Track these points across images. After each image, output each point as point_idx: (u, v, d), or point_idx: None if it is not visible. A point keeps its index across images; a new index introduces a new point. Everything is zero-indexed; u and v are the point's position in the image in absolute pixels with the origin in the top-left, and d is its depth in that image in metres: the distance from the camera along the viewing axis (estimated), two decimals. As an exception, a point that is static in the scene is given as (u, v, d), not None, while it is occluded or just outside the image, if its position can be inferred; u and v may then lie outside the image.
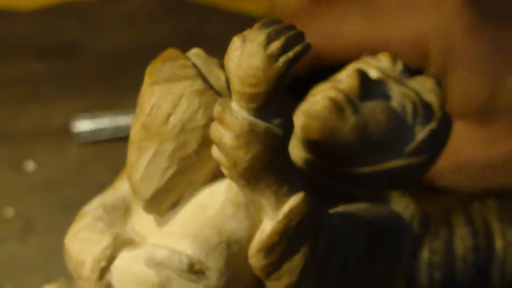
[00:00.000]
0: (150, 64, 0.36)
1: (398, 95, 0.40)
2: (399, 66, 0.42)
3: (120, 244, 0.36)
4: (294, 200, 0.33)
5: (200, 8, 0.82)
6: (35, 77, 0.74)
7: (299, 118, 0.39)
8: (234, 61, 0.32)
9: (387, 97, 0.40)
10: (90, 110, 0.71)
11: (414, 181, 0.42)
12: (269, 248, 0.33)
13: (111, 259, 0.36)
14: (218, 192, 0.35)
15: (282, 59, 0.32)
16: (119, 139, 0.68)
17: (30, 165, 0.66)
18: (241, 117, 0.32)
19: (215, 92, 0.35)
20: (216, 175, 0.35)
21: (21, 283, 0.57)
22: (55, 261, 0.58)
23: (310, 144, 0.39)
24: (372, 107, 0.39)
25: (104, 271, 0.36)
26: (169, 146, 0.35)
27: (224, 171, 0.33)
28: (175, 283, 0.34)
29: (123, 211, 0.38)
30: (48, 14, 0.81)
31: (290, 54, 0.32)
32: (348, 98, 0.39)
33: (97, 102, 0.72)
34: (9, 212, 0.62)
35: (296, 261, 0.34)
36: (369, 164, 0.39)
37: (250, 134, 0.32)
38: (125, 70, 0.75)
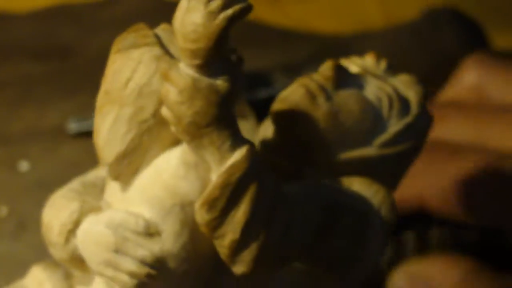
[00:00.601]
0: (118, 36, 0.37)
1: (375, 88, 0.41)
2: (383, 64, 0.43)
3: (87, 210, 0.38)
4: (236, 156, 0.34)
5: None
6: (29, 79, 0.75)
7: (274, 105, 0.40)
8: (178, 19, 0.34)
9: (363, 89, 0.41)
10: (84, 111, 0.71)
11: (392, 176, 0.42)
12: (210, 203, 0.34)
13: (77, 223, 0.37)
14: (173, 156, 0.36)
15: (222, 16, 0.33)
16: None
17: (24, 165, 0.67)
18: (185, 73, 0.34)
19: (172, 58, 0.36)
20: (174, 143, 0.36)
21: (14, 281, 0.58)
22: (48, 258, 0.58)
23: (282, 129, 0.40)
24: (345, 96, 0.40)
25: (70, 235, 0.38)
26: (128, 110, 0.35)
27: (171, 128, 0.35)
28: (131, 244, 0.35)
29: (100, 189, 0.39)
30: (42, 17, 0.81)
31: (230, 11, 0.33)
32: (321, 86, 0.40)
33: (90, 103, 0.72)
34: (3, 210, 0.63)
35: (238, 217, 0.34)
36: (341, 151, 0.40)
37: (193, 90, 0.33)
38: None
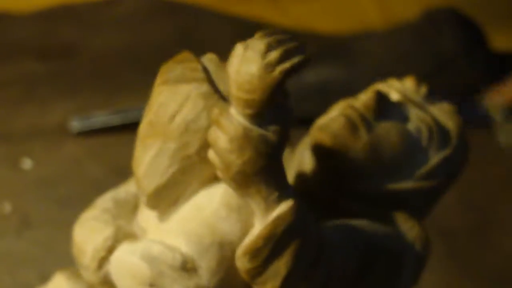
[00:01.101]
0: (164, 65, 0.36)
1: (416, 119, 0.41)
2: (423, 90, 0.43)
3: (121, 236, 0.37)
4: (282, 208, 0.34)
5: (194, 10, 0.82)
6: (31, 78, 0.75)
7: (313, 132, 0.40)
8: (234, 67, 0.33)
9: (404, 120, 0.41)
10: (85, 110, 0.72)
11: (425, 207, 0.42)
12: (254, 252, 0.34)
13: (111, 250, 0.37)
14: (215, 194, 0.36)
15: (279, 69, 0.32)
16: (113, 137, 0.69)
17: (27, 163, 0.67)
18: (236, 122, 0.33)
19: (220, 97, 0.35)
20: (216, 178, 0.36)
21: (18, 276, 0.58)
22: (51, 254, 0.59)
23: (321, 158, 0.40)
24: (386, 128, 0.40)
25: (103, 261, 0.37)
26: (172, 145, 0.35)
27: (218, 173, 0.34)
28: (167, 279, 0.35)
29: (132, 206, 0.39)
30: (44, 17, 0.81)
31: (287, 64, 0.33)
32: (363, 117, 0.39)
33: (92, 101, 0.73)
34: (7, 207, 0.63)
35: (280, 267, 0.34)
36: (379, 183, 0.40)
37: (243, 139, 0.33)
38: (120, 71, 0.76)
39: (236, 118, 0.33)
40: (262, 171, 0.33)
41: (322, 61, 0.71)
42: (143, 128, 0.36)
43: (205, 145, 0.35)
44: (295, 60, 0.33)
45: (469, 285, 0.60)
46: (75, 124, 0.69)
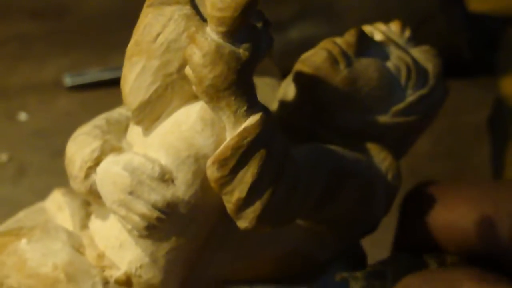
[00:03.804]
0: None
1: (395, 58, 0.42)
2: (407, 34, 0.45)
3: (108, 149, 0.39)
4: (250, 121, 0.36)
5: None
6: (27, 36, 0.78)
7: (296, 65, 0.42)
8: None
9: (384, 58, 0.42)
10: (79, 67, 0.74)
11: (399, 145, 0.43)
12: (222, 161, 0.36)
13: (97, 161, 0.39)
14: (193, 110, 0.38)
15: None
16: (104, 92, 0.72)
17: (22, 116, 0.70)
18: (210, 38, 0.35)
19: (201, 19, 0.37)
20: (196, 97, 0.38)
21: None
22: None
23: (301, 89, 0.42)
24: (366, 64, 0.41)
25: (90, 171, 0.39)
26: (155, 63, 0.37)
27: (193, 87, 0.36)
28: (146, 188, 0.37)
29: (123, 127, 0.41)
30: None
31: None
32: (344, 52, 0.41)
33: (85, 59, 0.75)
34: (3, 157, 0.66)
35: (247, 177, 0.36)
36: (356, 117, 0.41)
37: (215, 55, 0.35)
38: (112, 30, 0.78)
39: (210, 35, 0.35)
40: (232, 85, 0.35)
41: (306, 17, 0.73)
42: (130, 48, 0.38)
43: (185, 64, 0.37)
44: None
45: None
46: (68, 79, 0.72)
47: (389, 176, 0.41)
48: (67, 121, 0.69)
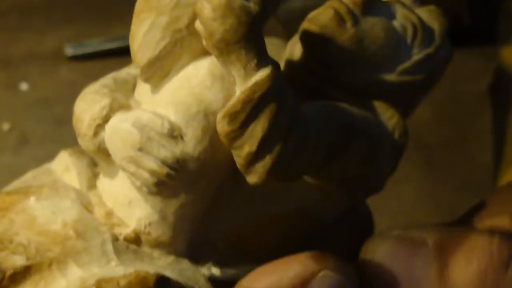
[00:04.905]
0: None
1: (401, 17, 0.42)
2: None
3: (117, 106, 0.39)
4: (260, 75, 0.36)
5: None
6: (28, 6, 0.78)
7: (303, 24, 0.42)
8: None
9: (390, 17, 0.42)
10: (80, 37, 0.75)
11: (406, 103, 0.44)
12: (232, 115, 0.36)
13: (106, 119, 0.39)
14: (202, 66, 0.38)
15: None
16: (105, 62, 0.72)
17: (24, 85, 0.71)
18: None
19: None
20: (206, 53, 0.38)
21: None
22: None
23: (308, 48, 0.42)
24: (372, 23, 0.41)
25: (98, 129, 0.39)
26: (164, 19, 0.37)
27: (203, 42, 0.36)
28: (155, 144, 0.37)
29: (131, 86, 0.41)
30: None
31: None
32: (350, 10, 0.41)
33: (86, 30, 0.76)
34: (5, 126, 0.67)
35: (257, 131, 0.36)
36: (363, 75, 0.41)
37: (226, 8, 0.35)
38: (113, 0, 0.78)
39: None
40: (242, 39, 0.35)
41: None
42: (138, 4, 0.38)
43: (194, 19, 0.37)
44: None
45: (447, 194, 0.63)
46: (70, 50, 0.72)
47: (396, 134, 0.42)
48: (69, 90, 0.69)
